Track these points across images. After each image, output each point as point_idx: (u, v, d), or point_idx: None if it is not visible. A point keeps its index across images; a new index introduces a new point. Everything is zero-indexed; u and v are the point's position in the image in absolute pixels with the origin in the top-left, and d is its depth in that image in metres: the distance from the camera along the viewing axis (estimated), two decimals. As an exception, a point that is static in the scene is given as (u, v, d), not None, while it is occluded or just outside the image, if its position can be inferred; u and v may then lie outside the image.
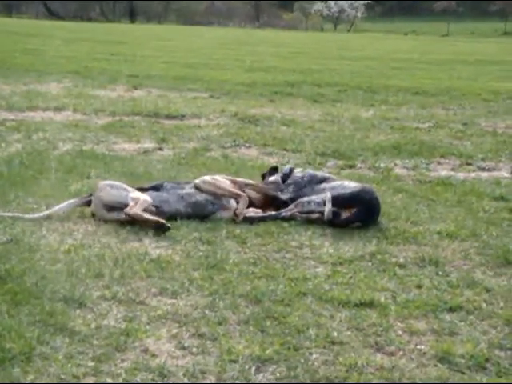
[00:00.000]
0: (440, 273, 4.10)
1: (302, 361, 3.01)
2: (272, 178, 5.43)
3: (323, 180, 5.32)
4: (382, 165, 7.00)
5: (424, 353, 3.14)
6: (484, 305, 3.66)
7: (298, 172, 5.45)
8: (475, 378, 2.97)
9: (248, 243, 4.49)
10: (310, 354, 3.08)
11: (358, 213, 4.90)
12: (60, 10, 66.90)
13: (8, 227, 4.52)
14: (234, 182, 5.18)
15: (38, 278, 3.70)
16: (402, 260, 4.28)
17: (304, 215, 5.01)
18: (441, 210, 5.38)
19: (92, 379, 2.83)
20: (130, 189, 4.87)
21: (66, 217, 4.84)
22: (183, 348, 3.10)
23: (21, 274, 3.73)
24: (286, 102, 11.71)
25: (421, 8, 75.94)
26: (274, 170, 5.53)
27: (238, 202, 5.00)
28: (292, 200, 5.16)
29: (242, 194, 5.05)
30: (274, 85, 13.83)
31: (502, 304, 3.68)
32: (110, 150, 7.18)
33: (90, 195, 4.91)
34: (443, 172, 6.89)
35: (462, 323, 3.44)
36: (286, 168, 5.54)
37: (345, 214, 4.91)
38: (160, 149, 7.32)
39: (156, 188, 4.99)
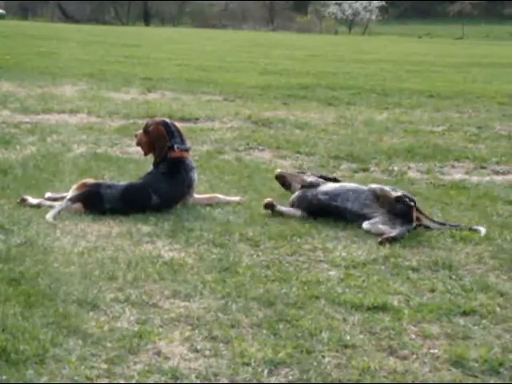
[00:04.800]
0: (453, 277, 4.08)
1: (315, 364, 3.01)
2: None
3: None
4: (395, 168, 6.98)
5: (437, 357, 3.13)
6: (498, 309, 3.64)
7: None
8: (489, 382, 2.96)
9: (261, 246, 4.50)
10: (323, 357, 3.08)
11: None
12: (75, 13, 67.15)
13: (22, 229, 4.54)
14: None
15: (51, 280, 3.72)
16: (415, 263, 4.27)
17: None
18: (454, 214, 5.36)
19: (105, 381, 2.84)
20: None
21: (79, 219, 4.87)
22: (196, 351, 3.10)
23: (35, 276, 3.75)
24: (300, 104, 11.70)
25: (435, 11, 75.63)
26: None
27: None
28: None
29: None
30: (288, 88, 13.82)
31: (515, 308, 3.67)
32: (124, 153, 7.20)
33: None
34: (457, 175, 6.86)
35: (476, 327, 3.43)
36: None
37: None
38: (173, 151, 7.32)
39: None
